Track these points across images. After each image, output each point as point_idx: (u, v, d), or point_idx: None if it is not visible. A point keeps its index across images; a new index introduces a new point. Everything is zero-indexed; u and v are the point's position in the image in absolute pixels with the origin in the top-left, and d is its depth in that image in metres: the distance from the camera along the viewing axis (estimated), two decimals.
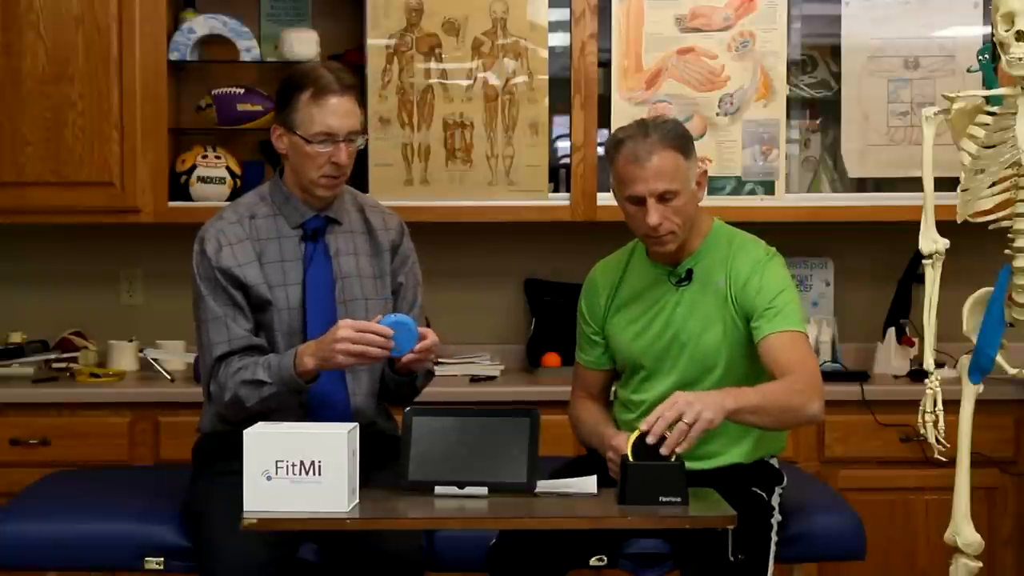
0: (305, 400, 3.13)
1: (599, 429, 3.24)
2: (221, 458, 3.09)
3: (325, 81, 3.14)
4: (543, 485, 2.83)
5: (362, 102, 3.44)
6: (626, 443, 2.85)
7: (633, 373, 3.29)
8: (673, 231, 3.14)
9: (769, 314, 3.13)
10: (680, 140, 3.14)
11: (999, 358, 3.49)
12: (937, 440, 3.50)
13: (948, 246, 3.49)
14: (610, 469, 3.08)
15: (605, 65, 4.37)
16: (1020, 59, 3.32)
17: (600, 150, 4.37)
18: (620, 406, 3.34)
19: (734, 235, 3.28)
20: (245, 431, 2.72)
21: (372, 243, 3.31)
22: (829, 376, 4.29)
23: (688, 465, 2.82)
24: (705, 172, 3.23)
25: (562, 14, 4.38)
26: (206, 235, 3.21)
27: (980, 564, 3.53)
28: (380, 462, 3.00)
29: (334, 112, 3.13)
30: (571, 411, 3.39)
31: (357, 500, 2.74)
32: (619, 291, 3.31)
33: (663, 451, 2.78)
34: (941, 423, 3.49)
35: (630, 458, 2.77)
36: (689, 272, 3.22)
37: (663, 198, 3.10)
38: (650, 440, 2.77)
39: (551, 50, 4.37)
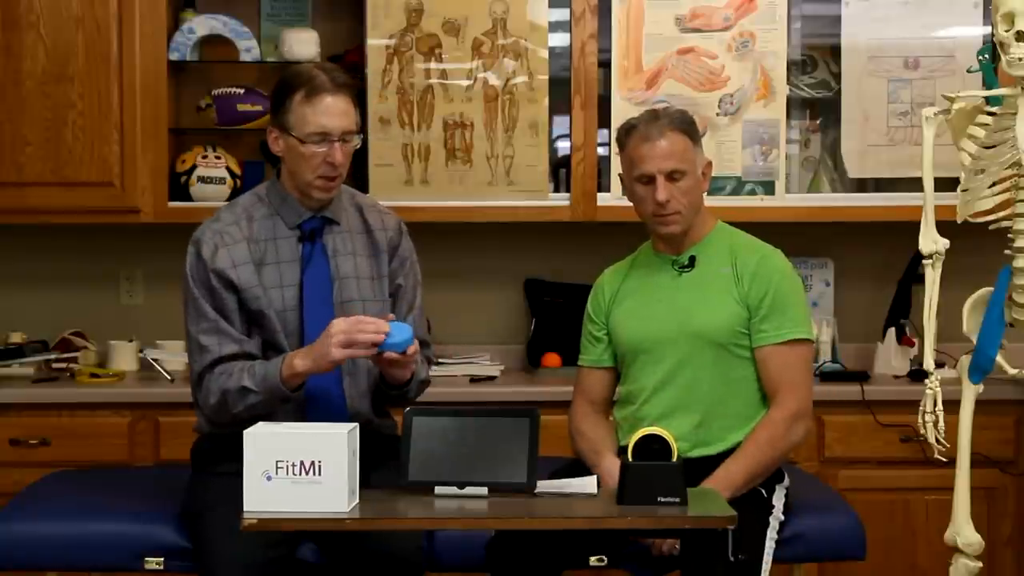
0: (302, 400, 3.12)
1: (594, 454, 3.28)
2: (221, 458, 3.10)
3: (319, 81, 3.13)
4: (543, 485, 2.83)
5: (360, 102, 3.42)
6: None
7: (632, 361, 3.31)
8: (679, 211, 3.23)
9: (774, 316, 3.21)
10: (689, 126, 3.28)
11: (999, 358, 3.48)
12: (937, 440, 3.50)
13: (948, 246, 3.49)
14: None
15: (605, 65, 4.37)
16: (1020, 59, 3.31)
17: (600, 150, 4.39)
18: (620, 404, 3.35)
19: (738, 233, 3.37)
20: (245, 431, 2.71)
21: (370, 244, 3.30)
22: (829, 376, 4.32)
23: (692, 452, 2.82)
24: (710, 164, 3.34)
25: (562, 14, 4.38)
26: (203, 237, 3.19)
27: (980, 564, 3.52)
28: (380, 462, 3.00)
29: (327, 111, 3.12)
30: (572, 421, 3.40)
31: (357, 500, 2.73)
32: (623, 286, 3.38)
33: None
34: (941, 423, 3.49)
35: (629, 459, 2.77)
36: (692, 259, 3.29)
37: (671, 177, 3.22)
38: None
39: (551, 50, 4.37)
